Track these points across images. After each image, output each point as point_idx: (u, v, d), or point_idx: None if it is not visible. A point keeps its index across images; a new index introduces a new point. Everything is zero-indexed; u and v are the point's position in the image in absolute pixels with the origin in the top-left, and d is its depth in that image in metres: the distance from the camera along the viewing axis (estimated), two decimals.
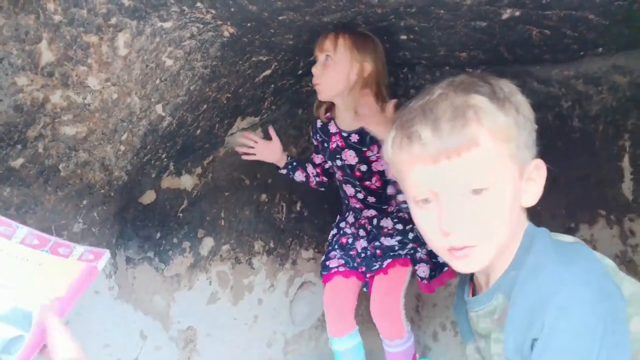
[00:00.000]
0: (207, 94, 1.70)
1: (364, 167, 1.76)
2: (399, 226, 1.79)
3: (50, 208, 1.52)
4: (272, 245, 2.17)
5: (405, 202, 1.41)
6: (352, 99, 1.64)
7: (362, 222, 1.83)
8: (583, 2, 1.36)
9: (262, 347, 2.15)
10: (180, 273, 1.97)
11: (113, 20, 1.30)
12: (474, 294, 0.97)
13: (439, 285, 1.76)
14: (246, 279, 2.11)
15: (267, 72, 1.84)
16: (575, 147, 1.94)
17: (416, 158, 0.83)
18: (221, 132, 1.95)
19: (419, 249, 1.74)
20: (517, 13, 1.43)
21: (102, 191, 1.63)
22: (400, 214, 1.81)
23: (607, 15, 1.44)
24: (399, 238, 1.76)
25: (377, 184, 1.78)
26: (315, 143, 1.92)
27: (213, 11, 1.39)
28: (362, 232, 1.83)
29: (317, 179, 1.96)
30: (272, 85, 1.93)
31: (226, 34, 1.51)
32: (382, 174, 1.76)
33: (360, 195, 1.82)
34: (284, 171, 1.93)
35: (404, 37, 1.68)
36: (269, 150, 1.88)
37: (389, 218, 1.80)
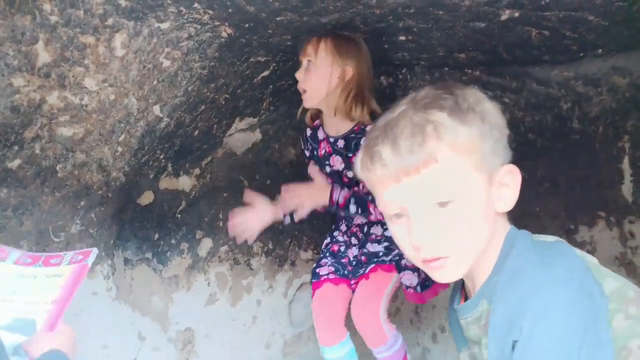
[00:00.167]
0: (205, 95, 1.69)
1: (350, 173, 1.73)
2: (388, 233, 1.77)
3: (47, 209, 1.51)
4: (270, 246, 2.17)
5: None
6: (334, 103, 1.64)
7: (354, 230, 1.81)
8: (582, 3, 1.35)
9: (260, 349, 2.14)
10: (178, 274, 1.96)
11: (110, 21, 1.29)
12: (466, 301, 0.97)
13: (432, 296, 1.70)
14: (245, 280, 2.11)
15: (266, 72, 1.84)
16: (575, 148, 1.93)
17: (380, 178, 0.86)
18: (219, 133, 1.94)
19: None
20: (516, 14, 1.42)
21: (100, 192, 1.63)
22: None
23: (606, 16, 1.43)
24: (386, 244, 1.73)
25: (365, 190, 1.76)
26: (307, 153, 1.89)
27: (210, 12, 1.38)
28: (354, 240, 1.81)
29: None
30: (271, 86, 1.93)
31: (224, 34, 1.51)
32: None
33: None
34: (287, 220, 1.77)
35: (402, 38, 1.67)
36: (259, 215, 1.73)
37: (379, 225, 1.77)
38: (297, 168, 2.10)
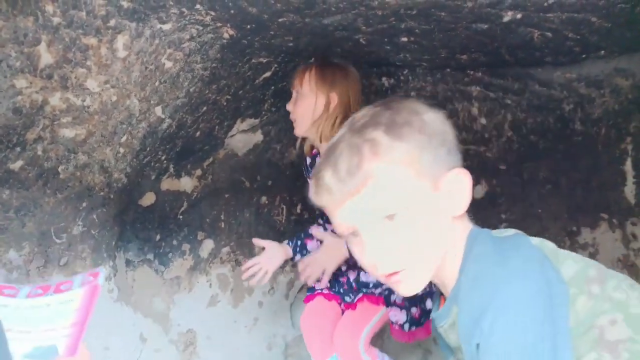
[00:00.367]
0: (207, 96, 1.69)
1: None
2: None
3: (49, 210, 1.52)
4: None
5: None
6: (320, 130, 1.64)
7: None
8: (585, 5, 1.35)
9: (262, 350, 2.14)
10: (180, 275, 1.96)
11: (112, 22, 1.29)
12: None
13: (424, 335, 1.67)
14: (246, 282, 2.11)
15: (267, 74, 1.84)
16: (577, 150, 1.92)
17: (328, 202, 0.87)
18: (221, 134, 1.94)
19: None
20: (519, 15, 1.42)
21: (102, 193, 1.63)
22: None
23: (609, 18, 1.42)
24: None
25: None
26: (310, 182, 1.86)
27: (212, 13, 1.38)
28: (354, 262, 1.79)
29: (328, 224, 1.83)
30: (272, 87, 1.93)
31: (226, 35, 1.51)
32: None
33: None
34: (297, 257, 1.80)
35: (404, 39, 1.67)
36: (271, 257, 1.75)
37: None
38: (298, 169, 2.09)
